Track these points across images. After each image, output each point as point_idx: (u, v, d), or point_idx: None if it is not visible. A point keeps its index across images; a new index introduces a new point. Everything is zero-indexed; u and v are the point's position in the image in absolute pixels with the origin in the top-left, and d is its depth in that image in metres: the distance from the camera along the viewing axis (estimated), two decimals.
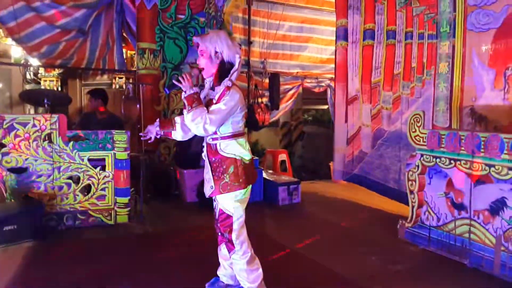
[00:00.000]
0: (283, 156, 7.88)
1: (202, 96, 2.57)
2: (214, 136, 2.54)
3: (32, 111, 7.69)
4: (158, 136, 2.79)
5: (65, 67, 6.79)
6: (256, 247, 2.72)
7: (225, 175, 2.52)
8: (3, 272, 3.24)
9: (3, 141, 4.16)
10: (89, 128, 4.73)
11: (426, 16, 4.76)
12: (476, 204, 3.40)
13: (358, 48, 5.89)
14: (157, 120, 2.81)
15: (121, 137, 4.46)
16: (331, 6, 7.03)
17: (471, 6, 4.18)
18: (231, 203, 2.56)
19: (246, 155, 2.58)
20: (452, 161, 3.57)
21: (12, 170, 4.20)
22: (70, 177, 4.37)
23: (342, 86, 6.27)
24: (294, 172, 8.10)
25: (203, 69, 2.56)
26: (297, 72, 7.87)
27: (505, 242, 3.15)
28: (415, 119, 3.97)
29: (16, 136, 4.17)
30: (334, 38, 6.49)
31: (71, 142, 4.34)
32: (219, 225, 2.64)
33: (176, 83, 2.49)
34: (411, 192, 4.01)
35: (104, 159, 4.46)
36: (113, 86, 7.96)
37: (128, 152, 4.53)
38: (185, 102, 2.47)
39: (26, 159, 4.21)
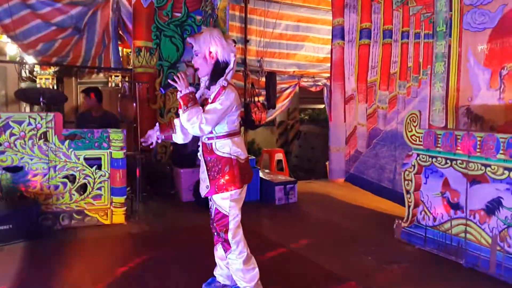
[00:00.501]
0: (279, 156, 7.88)
1: (197, 95, 2.56)
2: (210, 135, 2.54)
3: (27, 109, 7.65)
4: (159, 141, 2.78)
5: (61, 65, 6.75)
6: (253, 247, 2.72)
7: (220, 174, 2.52)
8: None
9: None
10: (84, 128, 4.71)
11: (423, 16, 4.77)
12: (472, 204, 3.41)
13: (354, 47, 5.90)
14: (157, 124, 2.80)
15: (117, 136, 4.44)
16: (327, 5, 7.03)
17: (467, 5, 4.19)
18: (227, 202, 2.55)
19: (242, 155, 2.58)
20: (448, 161, 3.59)
21: (7, 169, 4.17)
22: (66, 176, 4.35)
23: (339, 85, 6.28)
24: (290, 172, 8.10)
25: (198, 68, 2.55)
26: (294, 71, 7.87)
27: (500, 242, 3.17)
28: (411, 119, 3.98)
29: (11, 134, 4.14)
30: (330, 37, 6.49)
31: (67, 141, 4.32)
32: (215, 224, 2.64)
33: (171, 82, 2.48)
34: (407, 191, 4.01)
35: (100, 158, 4.44)
36: (109, 84, 7.93)
37: (124, 151, 4.51)
38: (181, 101, 2.46)
39: (21, 158, 4.19)
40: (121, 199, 4.51)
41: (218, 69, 2.52)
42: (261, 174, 5.90)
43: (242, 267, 2.60)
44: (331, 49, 6.44)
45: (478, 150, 3.30)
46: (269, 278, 2.95)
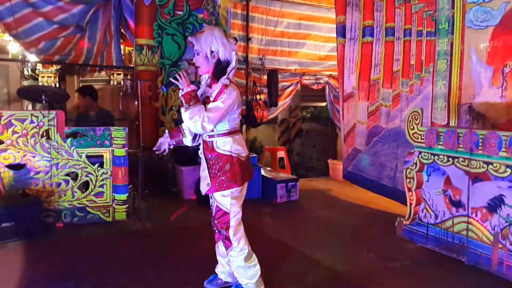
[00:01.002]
0: (281, 153, 7.88)
1: (199, 93, 2.56)
2: (211, 133, 2.55)
3: (30, 108, 7.67)
4: (171, 147, 2.83)
5: (63, 63, 6.77)
6: (254, 244, 2.72)
7: (221, 172, 2.53)
8: (1, 269, 3.23)
9: (1, 138, 4.14)
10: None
11: (425, 13, 4.75)
12: (474, 202, 3.40)
13: (356, 45, 5.88)
14: (166, 131, 2.85)
15: (119, 134, 4.46)
16: (329, 2, 7.02)
17: (469, 3, 4.18)
18: (228, 200, 2.56)
19: (243, 152, 2.59)
20: (450, 159, 3.58)
21: (10, 166, 4.18)
22: (68, 174, 4.36)
23: (340, 83, 6.27)
24: (292, 169, 8.10)
25: (199, 67, 2.56)
26: (296, 69, 7.86)
27: (502, 240, 3.16)
28: (413, 117, 3.98)
29: (14, 132, 4.16)
30: (332, 35, 6.49)
31: (69, 139, 4.33)
32: (216, 222, 2.65)
33: (173, 80, 2.49)
34: (409, 189, 4.01)
35: (102, 156, 4.46)
36: (111, 82, 7.95)
37: (126, 149, 4.52)
38: (183, 100, 2.47)
39: (24, 156, 4.20)
40: (123, 196, 4.53)
41: (220, 68, 2.52)
42: (263, 172, 5.90)
43: (244, 264, 2.61)
44: (337, 47, 6.42)
45: (480, 147, 3.30)
46: (270, 275, 2.96)
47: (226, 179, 2.53)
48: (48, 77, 7.69)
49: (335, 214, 5.04)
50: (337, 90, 7.12)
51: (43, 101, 4.44)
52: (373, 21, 5.59)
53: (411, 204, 4.01)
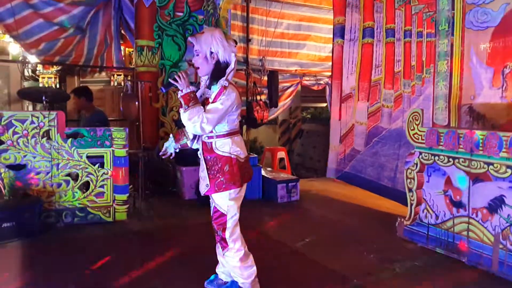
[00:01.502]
0: (281, 154, 7.88)
1: (198, 94, 2.57)
2: (210, 134, 2.55)
3: (30, 108, 7.68)
4: (177, 150, 2.84)
5: (63, 64, 6.77)
6: (254, 245, 2.73)
7: (220, 173, 2.53)
8: (2, 269, 3.23)
9: (1, 138, 4.14)
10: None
11: (425, 15, 4.77)
12: (474, 202, 3.41)
13: (356, 46, 5.89)
14: (170, 135, 2.88)
15: (119, 135, 4.46)
16: (329, 4, 7.03)
17: (469, 4, 4.19)
18: (226, 201, 2.57)
19: (242, 154, 2.59)
20: (450, 159, 3.59)
21: (10, 167, 4.19)
22: (68, 174, 4.36)
23: (337, 84, 6.28)
24: (292, 170, 8.10)
25: (198, 67, 2.56)
26: (296, 70, 7.87)
27: (503, 240, 3.16)
28: (413, 117, 3.98)
29: (14, 133, 4.16)
30: (332, 36, 6.48)
31: (70, 139, 4.33)
32: (213, 222, 2.66)
33: (172, 81, 2.49)
34: (410, 190, 4.01)
35: (102, 156, 4.46)
36: (112, 83, 7.95)
37: (127, 149, 4.52)
38: (182, 101, 2.47)
39: (24, 156, 4.21)
40: (124, 196, 4.53)
41: (219, 69, 2.53)
42: (263, 172, 5.90)
43: (240, 265, 2.62)
44: (332, 48, 6.44)
45: (480, 148, 3.30)
46: (270, 276, 2.97)
47: (225, 180, 2.53)
48: (48, 78, 7.70)
49: (336, 214, 5.04)
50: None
51: (44, 102, 4.45)
52: (374, 22, 5.60)
53: (411, 204, 4.01)
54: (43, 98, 4.41)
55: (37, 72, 7.67)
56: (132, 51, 7.19)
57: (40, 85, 7.54)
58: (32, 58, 6.68)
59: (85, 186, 4.47)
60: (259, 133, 9.41)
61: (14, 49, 7.28)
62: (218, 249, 2.79)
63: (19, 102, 7.82)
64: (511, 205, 3.11)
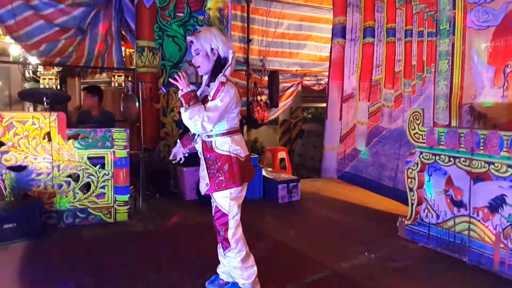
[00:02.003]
0: (282, 154, 7.88)
1: (198, 93, 2.57)
2: (210, 133, 2.55)
3: (31, 110, 7.69)
4: (186, 155, 2.90)
5: (64, 65, 6.78)
6: (255, 245, 2.73)
7: (220, 172, 2.53)
8: (2, 270, 3.24)
9: (2, 139, 4.15)
10: (84, 127, 4.73)
11: (426, 14, 4.76)
12: (475, 202, 3.40)
13: (357, 46, 5.89)
14: (178, 141, 2.91)
15: (120, 135, 4.46)
16: (330, 3, 7.03)
17: (470, 3, 4.18)
18: (227, 201, 2.56)
19: (242, 153, 2.59)
20: (451, 159, 3.58)
21: (11, 168, 4.19)
22: (69, 175, 4.36)
23: (337, 84, 6.27)
24: (293, 170, 8.10)
25: (199, 67, 2.57)
26: (296, 70, 7.87)
27: (504, 240, 3.15)
28: (414, 117, 3.98)
29: (15, 134, 4.16)
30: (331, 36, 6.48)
31: (71, 140, 4.33)
32: (215, 223, 2.65)
33: (172, 81, 2.50)
34: (411, 189, 4.01)
35: (103, 157, 4.46)
36: (112, 84, 7.97)
37: (128, 150, 4.52)
38: (182, 100, 2.47)
39: (25, 157, 4.20)
40: (125, 197, 4.53)
41: (219, 66, 2.54)
42: (264, 173, 5.90)
43: (240, 265, 2.61)
44: (331, 48, 6.43)
45: (481, 147, 3.30)
46: (271, 276, 2.96)
47: (225, 179, 2.53)
48: (49, 79, 7.72)
49: (337, 214, 5.04)
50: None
51: (44, 103, 4.45)
52: (374, 22, 5.60)
53: (412, 204, 4.00)
54: (44, 99, 4.42)
55: (37, 73, 7.69)
56: (133, 52, 7.20)
57: (41, 86, 7.56)
58: (33, 59, 6.70)
59: (86, 187, 4.47)
60: (260, 133, 9.42)
61: (15, 50, 7.31)
62: (220, 250, 2.79)
63: (20, 103, 7.84)
64: None
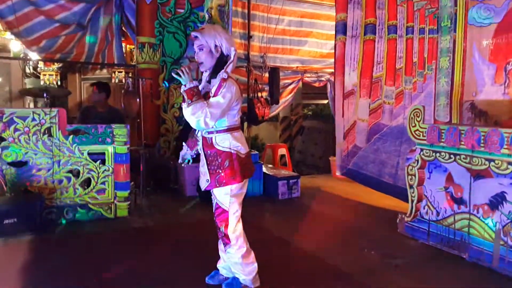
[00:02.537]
0: (282, 151, 7.88)
1: (200, 89, 2.57)
2: (210, 129, 2.56)
3: (31, 106, 7.69)
4: (193, 156, 2.91)
5: (64, 61, 6.77)
6: (255, 241, 2.73)
7: (220, 168, 2.53)
8: (3, 265, 3.25)
9: (2, 135, 4.15)
10: (89, 122, 4.73)
11: (427, 11, 4.74)
12: (475, 199, 3.40)
13: (358, 43, 5.87)
14: (184, 144, 2.93)
15: (121, 131, 4.46)
16: (331, 0, 7.00)
17: (472, 0, 4.17)
18: (227, 197, 2.57)
19: (242, 149, 2.59)
20: (452, 156, 3.58)
21: (12, 164, 4.20)
22: (70, 171, 4.37)
23: (340, 80, 6.26)
24: (293, 167, 8.10)
25: (202, 62, 2.57)
26: (297, 67, 7.85)
27: (504, 236, 3.16)
28: (415, 114, 3.97)
29: (15, 130, 4.17)
30: (334, 32, 6.46)
31: (71, 136, 4.33)
32: (215, 219, 2.66)
33: (175, 76, 2.49)
34: (411, 186, 4.01)
35: (104, 153, 4.46)
36: (113, 80, 7.96)
37: (128, 146, 4.52)
38: (185, 95, 2.47)
39: (26, 153, 4.21)
40: (125, 193, 4.53)
41: (221, 63, 2.54)
42: (264, 169, 5.90)
43: (241, 261, 2.62)
44: (335, 45, 6.41)
45: (482, 145, 3.29)
46: (271, 272, 2.97)
47: (225, 176, 2.53)
48: (49, 75, 7.71)
49: (337, 211, 5.04)
50: None
51: (45, 99, 4.45)
52: (375, 19, 5.58)
53: (412, 201, 4.00)
54: (45, 95, 4.42)
55: (38, 69, 7.68)
56: (133, 48, 7.19)
57: (41, 82, 7.55)
58: (33, 55, 6.69)
59: (87, 183, 4.47)
60: (260, 130, 9.40)
61: (15, 46, 7.29)
62: (220, 245, 2.80)
63: (21, 99, 7.83)
64: None
